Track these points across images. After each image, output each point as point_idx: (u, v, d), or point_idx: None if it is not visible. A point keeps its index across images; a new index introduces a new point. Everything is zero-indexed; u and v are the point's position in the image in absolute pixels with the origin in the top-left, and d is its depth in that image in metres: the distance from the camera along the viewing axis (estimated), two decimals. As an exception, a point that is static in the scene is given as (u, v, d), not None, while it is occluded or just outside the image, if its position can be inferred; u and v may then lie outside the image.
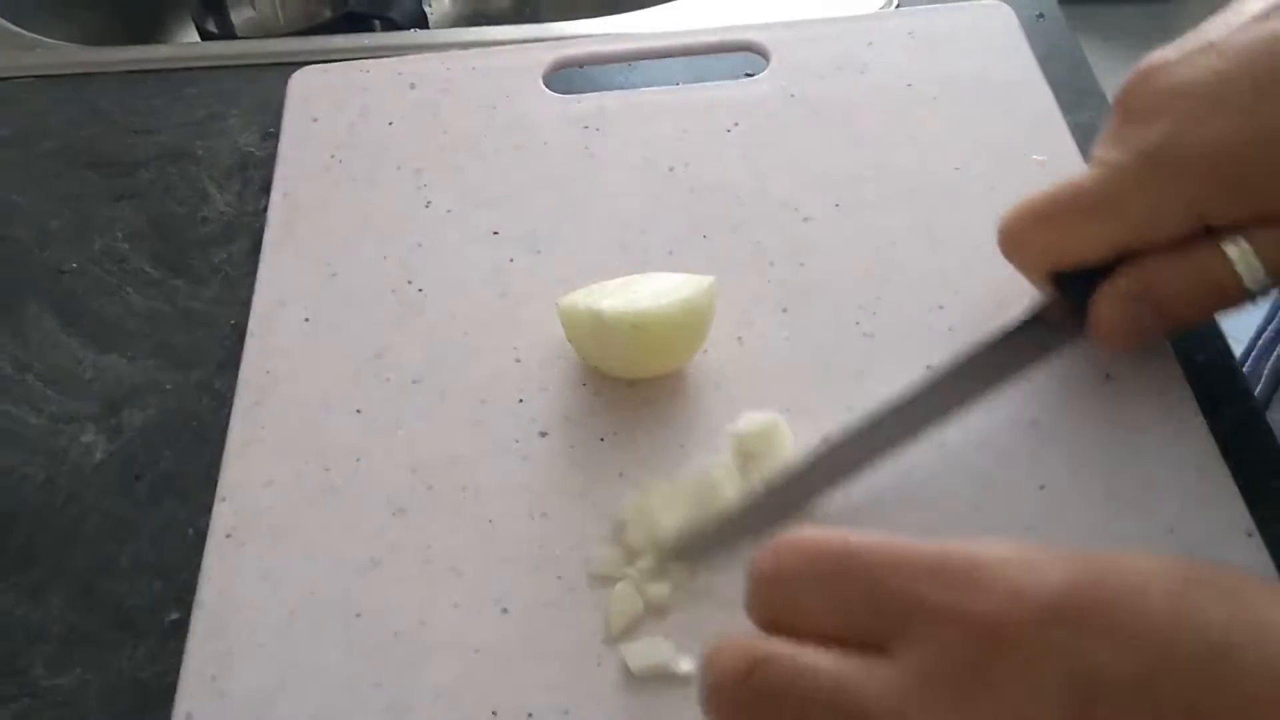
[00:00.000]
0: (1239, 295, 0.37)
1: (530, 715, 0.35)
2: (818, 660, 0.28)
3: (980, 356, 0.40)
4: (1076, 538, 0.38)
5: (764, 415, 0.40)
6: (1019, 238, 0.40)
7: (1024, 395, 0.41)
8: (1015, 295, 0.44)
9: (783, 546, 0.30)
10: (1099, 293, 0.38)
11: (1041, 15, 0.57)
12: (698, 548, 0.38)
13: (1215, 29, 0.37)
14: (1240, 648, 0.26)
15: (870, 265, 0.46)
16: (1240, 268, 0.36)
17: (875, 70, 0.54)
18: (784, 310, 0.45)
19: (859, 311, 0.45)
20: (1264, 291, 0.37)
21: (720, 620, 0.36)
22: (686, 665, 0.36)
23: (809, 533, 0.30)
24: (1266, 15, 0.37)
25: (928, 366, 0.42)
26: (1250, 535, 0.37)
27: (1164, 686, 0.25)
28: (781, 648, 0.29)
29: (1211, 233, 0.37)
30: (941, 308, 0.44)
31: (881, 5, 0.60)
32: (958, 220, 0.47)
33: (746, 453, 0.40)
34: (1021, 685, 0.26)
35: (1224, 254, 0.36)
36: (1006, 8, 0.56)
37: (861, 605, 0.28)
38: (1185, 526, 0.37)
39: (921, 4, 0.58)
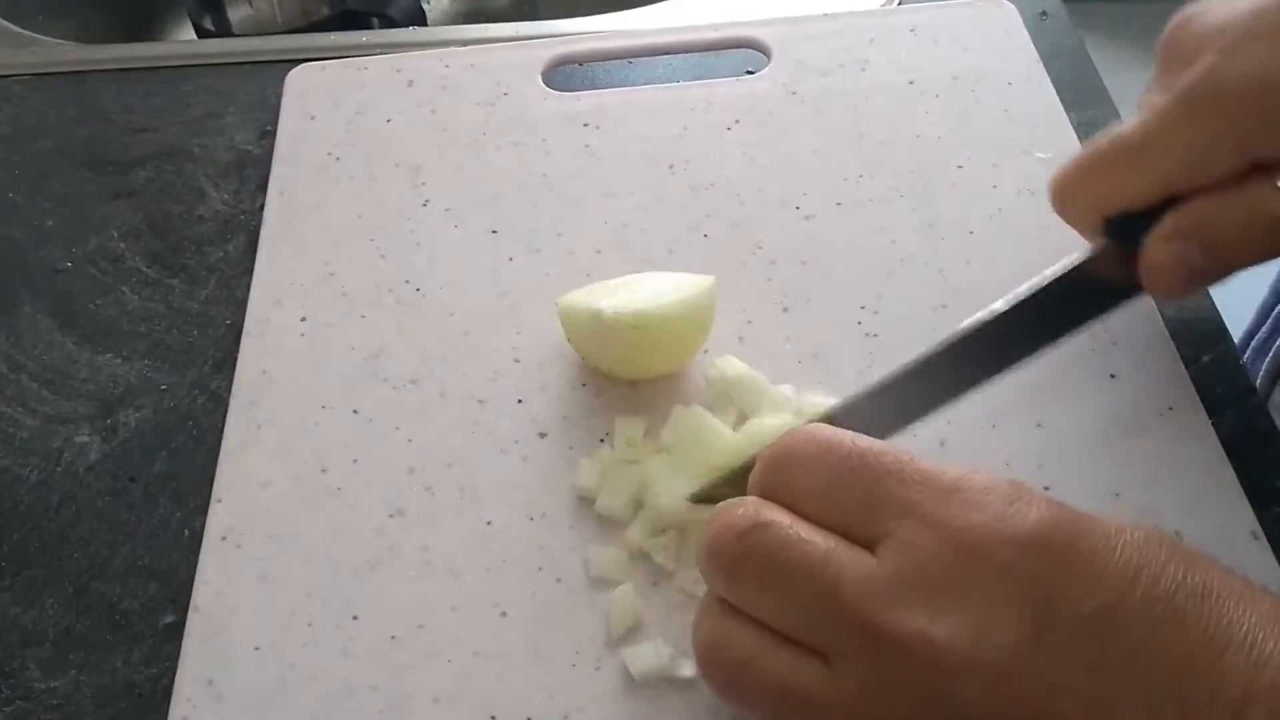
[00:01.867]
0: None
1: (529, 719, 0.35)
2: (812, 535, 0.31)
3: (1034, 303, 0.38)
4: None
5: (740, 363, 0.41)
6: (1068, 190, 0.40)
7: (1029, 396, 0.41)
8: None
9: (798, 433, 0.33)
10: (1148, 237, 0.37)
11: (1045, 13, 0.57)
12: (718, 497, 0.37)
13: None
14: (1184, 605, 0.28)
15: (872, 264, 0.46)
16: None
17: (877, 67, 0.53)
18: (785, 310, 0.44)
19: (861, 311, 0.44)
20: None
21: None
22: (688, 670, 0.35)
23: (823, 428, 0.33)
24: None
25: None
26: (1256, 536, 0.37)
27: (1114, 625, 0.28)
28: (782, 516, 0.31)
29: (1261, 170, 0.36)
30: (944, 306, 0.44)
31: (883, 2, 0.59)
32: (960, 218, 0.47)
33: (725, 396, 0.40)
34: (988, 599, 0.28)
35: (1276, 190, 0.36)
36: (1009, 5, 0.55)
37: (859, 502, 0.31)
38: (1190, 527, 0.37)
39: (924, 1, 0.57)
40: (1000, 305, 0.38)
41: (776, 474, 0.32)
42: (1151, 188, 0.37)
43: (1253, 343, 0.56)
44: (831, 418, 0.36)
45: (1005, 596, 0.28)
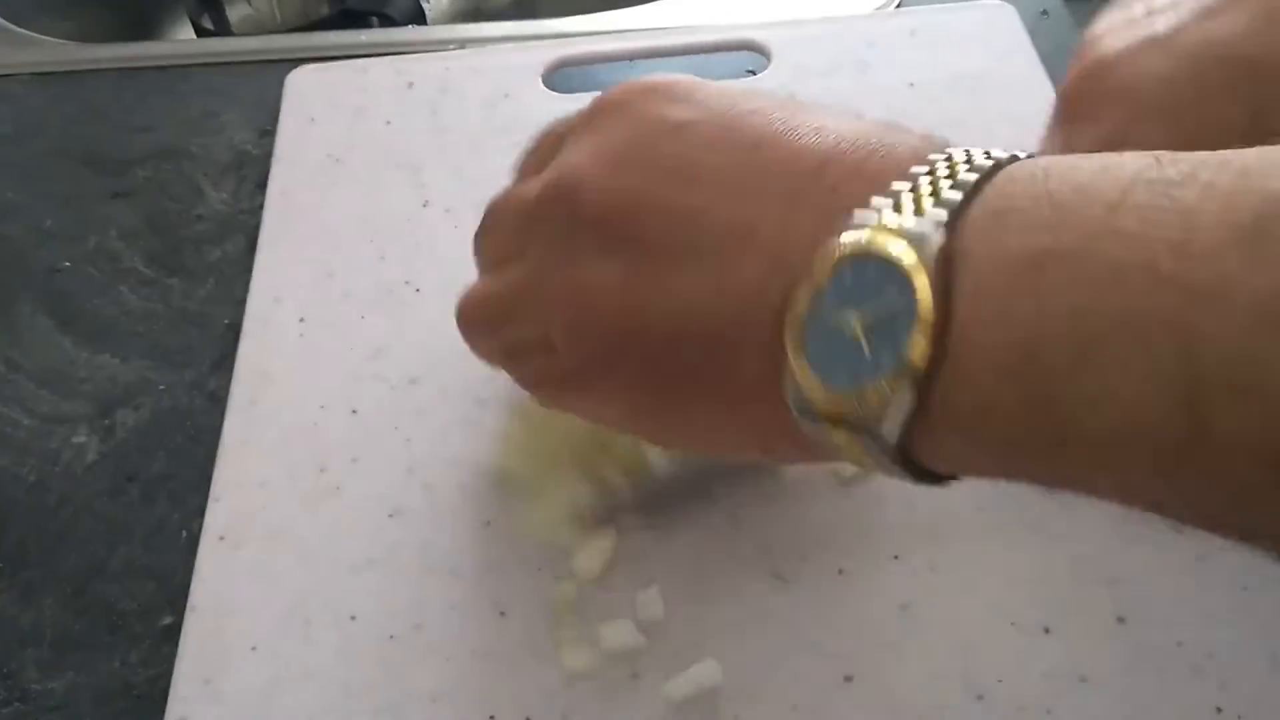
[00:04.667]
0: None
1: (528, 719, 0.35)
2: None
3: None
4: (1082, 537, 0.37)
5: None
6: None
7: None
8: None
9: None
10: None
11: (1045, 12, 0.57)
12: None
13: (1164, 19, 0.36)
14: (765, 125, 0.30)
15: (872, 265, 0.46)
16: None
17: (877, 69, 0.53)
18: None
19: (861, 312, 0.44)
20: None
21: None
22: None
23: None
24: (1213, 12, 0.35)
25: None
26: (1257, 538, 0.37)
27: (696, 134, 0.30)
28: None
29: None
30: (944, 308, 0.44)
31: (883, 4, 0.60)
32: (960, 220, 0.47)
33: None
34: (606, 127, 0.32)
35: None
36: (1009, 6, 0.55)
37: (590, 110, 0.34)
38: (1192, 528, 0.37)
39: (923, 3, 0.57)
40: None
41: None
42: None
43: None
44: None
45: (616, 125, 0.32)
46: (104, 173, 0.54)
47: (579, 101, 0.53)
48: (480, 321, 0.37)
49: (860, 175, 0.27)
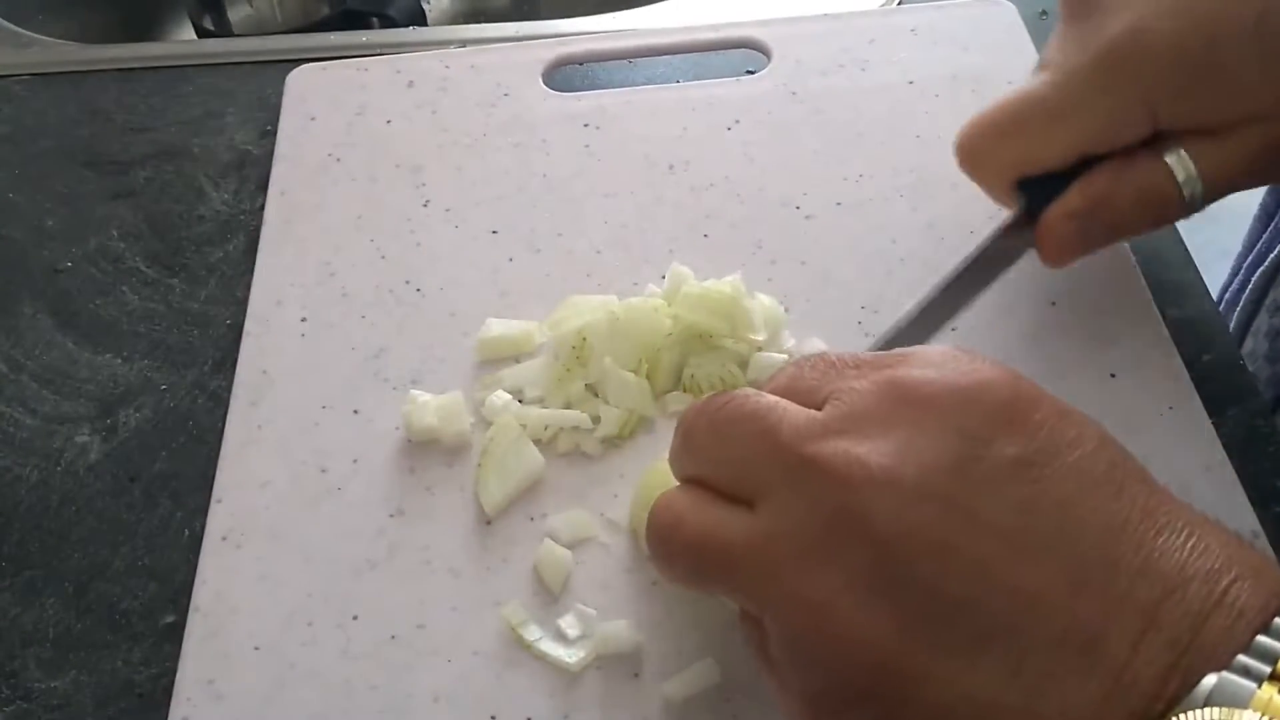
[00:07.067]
0: (1179, 207, 0.38)
1: (529, 719, 0.35)
2: (768, 396, 0.30)
3: (953, 282, 0.39)
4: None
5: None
6: (981, 153, 0.40)
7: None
8: (1016, 293, 0.44)
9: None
10: (1049, 212, 0.38)
11: (1045, 12, 0.57)
12: None
13: None
14: (1122, 479, 0.27)
15: (872, 263, 0.46)
16: (1181, 178, 0.37)
17: (877, 67, 0.53)
18: (785, 310, 0.44)
19: (861, 311, 0.44)
20: (1201, 203, 0.38)
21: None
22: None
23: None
24: None
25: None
26: (1256, 536, 0.37)
27: (1045, 473, 0.26)
28: (742, 390, 0.31)
29: (1152, 141, 0.37)
30: (944, 307, 0.44)
31: (883, 2, 0.59)
32: (960, 218, 0.47)
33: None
34: (916, 427, 0.27)
35: (1165, 164, 0.37)
36: (1009, 4, 0.55)
37: (813, 383, 0.30)
38: (1191, 528, 0.37)
39: (924, 1, 0.57)
40: (921, 300, 0.39)
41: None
42: (1066, 152, 0.38)
43: (1226, 295, 0.57)
44: None
45: (934, 428, 0.27)
46: (105, 173, 0.54)
47: (579, 101, 0.53)
48: (673, 559, 0.31)
49: (1224, 608, 0.24)
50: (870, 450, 0.27)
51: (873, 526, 0.26)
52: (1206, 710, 0.23)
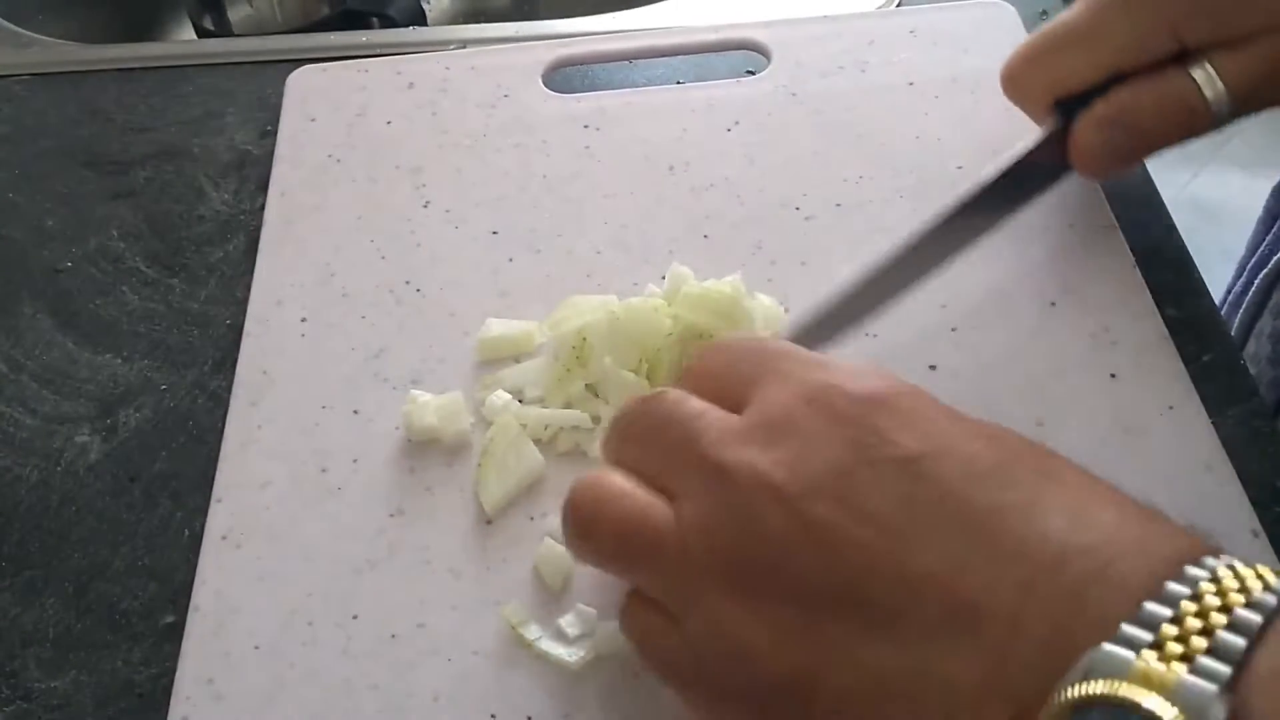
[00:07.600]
0: (1206, 117, 0.40)
1: (529, 719, 0.35)
2: (701, 400, 0.32)
3: (980, 196, 0.42)
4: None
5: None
6: (1018, 75, 0.44)
7: (1028, 394, 0.41)
8: (1017, 293, 0.44)
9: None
10: (1078, 120, 0.41)
11: (1045, 13, 0.57)
12: None
13: None
14: (1017, 472, 0.28)
15: (872, 264, 0.46)
16: (1206, 89, 0.40)
17: (877, 69, 0.53)
18: (785, 310, 0.44)
19: (861, 311, 0.44)
20: (1228, 116, 0.40)
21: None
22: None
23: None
24: None
25: (930, 367, 0.42)
26: (1256, 536, 0.37)
27: (932, 469, 0.28)
28: (679, 391, 0.33)
29: (1182, 58, 0.40)
30: (944, 306, 0.44)
31: (883, 3, 0.60)
32: (960, 219, 0.47)
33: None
34: (814, 436, 0.29)
35: (1191, 76, 0.40)
36: (1009, 5, 0.55)
37: (745, 378, 0.32)
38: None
39: (923, 2, 0.57)
40: (947, 206, 0.41)
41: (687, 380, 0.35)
42: (1097, 70, 0.41)
43: (1229, 297, 0.57)
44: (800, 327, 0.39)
45: (831, 435, 0.29)
46: (105, 173, 0.54)
47: (579, 102, 0.54)
48: (598, 538, 0.32)
49: (1105, 580, 0.25)
50: (771, 460, 0.29)
51: (769, 526, 0.28)
52: (1089, 683, 0.23)
